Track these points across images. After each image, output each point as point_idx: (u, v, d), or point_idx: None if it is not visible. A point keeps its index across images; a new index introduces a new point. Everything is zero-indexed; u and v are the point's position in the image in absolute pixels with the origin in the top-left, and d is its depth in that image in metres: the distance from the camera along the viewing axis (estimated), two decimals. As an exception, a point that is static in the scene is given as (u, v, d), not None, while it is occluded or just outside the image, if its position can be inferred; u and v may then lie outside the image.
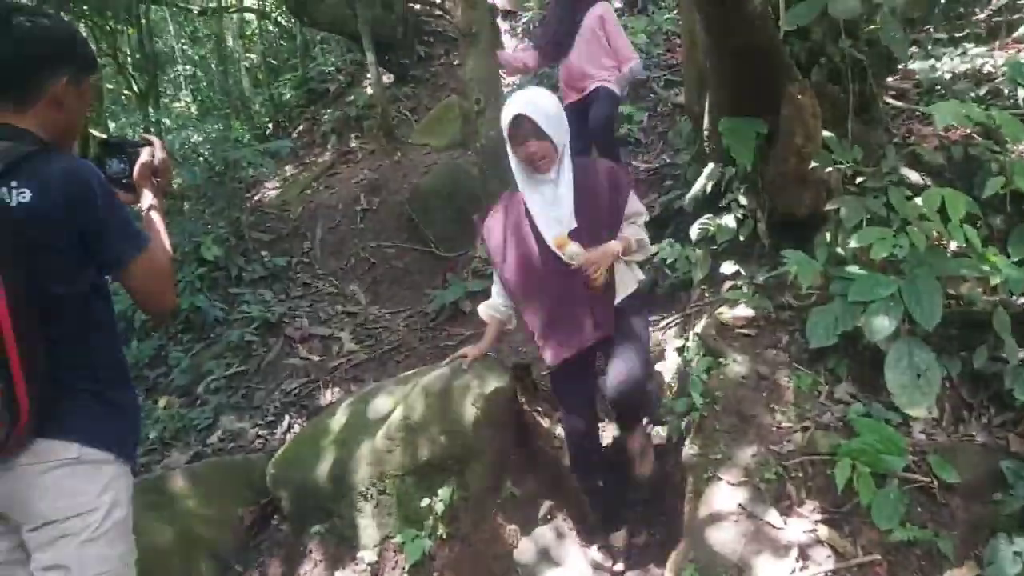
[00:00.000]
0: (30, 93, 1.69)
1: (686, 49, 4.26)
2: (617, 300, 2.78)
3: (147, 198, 1.97)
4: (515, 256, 2.74)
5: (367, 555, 2.90)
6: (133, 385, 2.04)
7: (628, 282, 2.84)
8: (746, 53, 3.18)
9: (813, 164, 3.24)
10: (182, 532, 3.08)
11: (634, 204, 2.80)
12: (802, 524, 2.48)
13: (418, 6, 10.07)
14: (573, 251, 2.56)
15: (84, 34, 1.81)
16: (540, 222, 2.66)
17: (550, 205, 2.67)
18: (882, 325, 2.71)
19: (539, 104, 2.57)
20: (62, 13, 6.82)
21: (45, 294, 1.66)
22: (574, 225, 2.63)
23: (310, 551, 3.03)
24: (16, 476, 1.71)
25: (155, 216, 1.95)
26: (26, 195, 1.61)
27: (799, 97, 3.20)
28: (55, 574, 1.75)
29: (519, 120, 2.56)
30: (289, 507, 3.13)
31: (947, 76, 4.31)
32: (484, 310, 3.02)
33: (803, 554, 2.38)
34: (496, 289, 2.95)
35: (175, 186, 7.99)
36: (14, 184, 1.60)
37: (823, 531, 2.43)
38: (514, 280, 2.78)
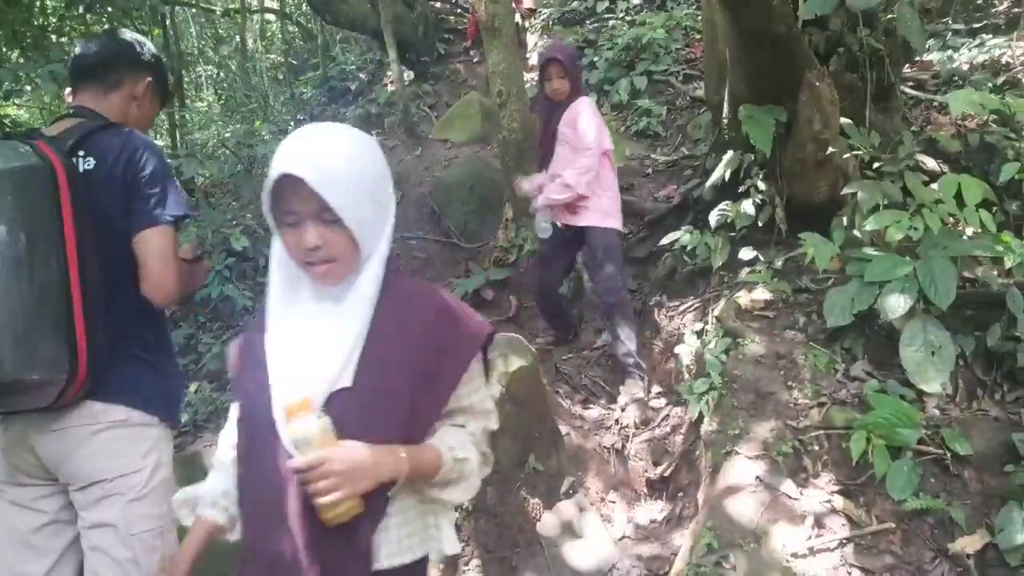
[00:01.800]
0: (111, 85, 1.98)
1: (706, 39, 4.34)
2: None
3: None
4: (242, 414, 1.41)
5: (395, 526, 2.99)
6: (175, 355, 2.16)
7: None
8: (765, 42, 3.26)
9: (831, 150, 3.32)
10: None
11: (477, 394, 1.41)
12: (818, 495, 2.55)
13: (438, 4, 10.20)
14: (302, 435, 1.22)
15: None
16: (278, 367, 1.33)
17: (309, 342, 1.31)
18: (898, 304, 2.79)
19: (322, 157, 1.24)
20: (88, 16, 7.01)
21: (105, 255, 1.79)
22: (346, 385, 1.29)
23: (340, 523, 3.13)
24: (66, 437, 1.81)
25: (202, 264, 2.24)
26: (90, 163, 1.81)
27: (817, 85, 3.27)
28: (101, 532, 1.84)
29: (286, 183, 1.24)
30: (320, 481, 3.24)
31: (965, 66, 4.36)
32: (181, 499, 1.55)
33: (819, 523, 2.46)
34: (223, 448, 1.53)
35: (200, 182, 8.16)
36: (81, 153, 1.81)
37: (838, 501, 2.50)
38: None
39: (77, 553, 1.89)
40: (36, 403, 1.72)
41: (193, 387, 4.65)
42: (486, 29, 4.96)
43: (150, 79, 2.05)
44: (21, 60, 5.83)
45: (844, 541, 2.39)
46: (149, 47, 2.10)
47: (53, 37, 6.71)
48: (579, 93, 3.93)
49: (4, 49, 6.05)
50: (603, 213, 3.88)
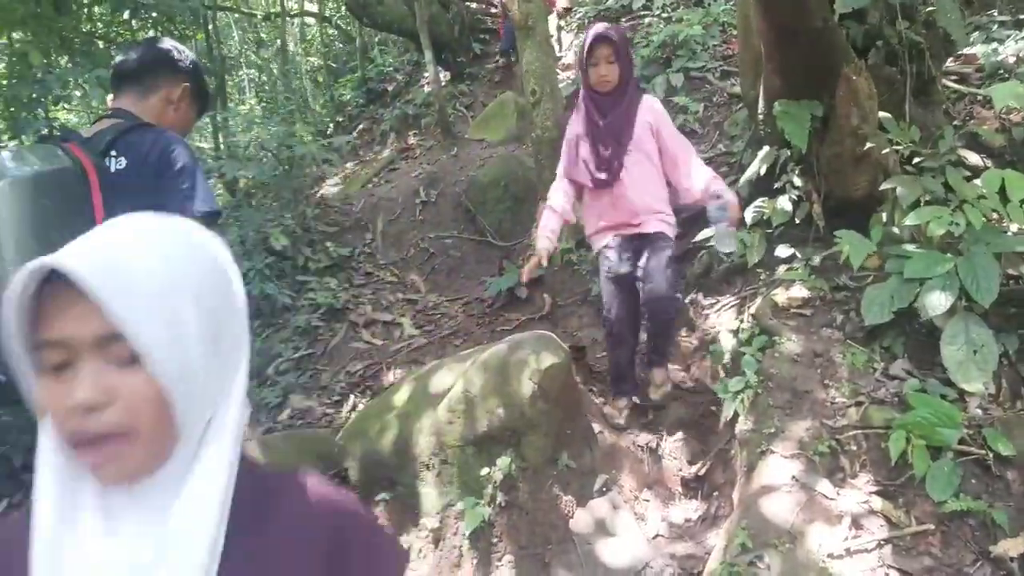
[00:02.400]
0: (148, 88, 2.07)
1: (741, 34, 4.29)
2: None
3: None
4: None
5: (429, 521, 3.03)
6: None
7: None
8: (802, 36, 3.22)
9: (869, 145, 3.26)
10: (256, 499, 3.25)
11: None
12: (855, 495, 2.51)
13: (474, 4, 10.25)
14: None
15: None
16: None
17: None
18: (938, 302, 2.73)
19: (117, 247, 0.75)
20: (134, 22, 7.19)
21: None
22: None
23: (376, 518, 3.18)
24: None
25: None
26: (123, 162, 1.88)
27: (855, 78, 3.22)
28: None
29: (50, 292, 0.74)
30: (356, 476, 3.29)
31: (1011, 59, 4.24)
32: None
33: (856, 523, 2.42)
34: None
35: (242, 183, 8.32)
36: (114, 154, 1.88)
37: (876, 502, 2.46)
38: None
39: None
40: None
41: (234, 383, 4.74)
42: (519, 28, 4.97)
43: (187, 84, 2.13)
44: (69, 66, 6.00)
45: (882, 542, 2.35)
46: (187, 54, 2.17)
47: (100, 43, 6.90)
48: (632, 83, 3.35)
49: (54, 55, 6.23)
50: (669, 218, 3.44)
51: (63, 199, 1.67)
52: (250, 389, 3.40)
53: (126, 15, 6.79)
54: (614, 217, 3.40)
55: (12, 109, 5.87)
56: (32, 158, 1.66)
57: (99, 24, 7.52)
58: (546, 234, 3.37)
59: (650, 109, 3.35)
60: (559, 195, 3.48)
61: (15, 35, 6.57)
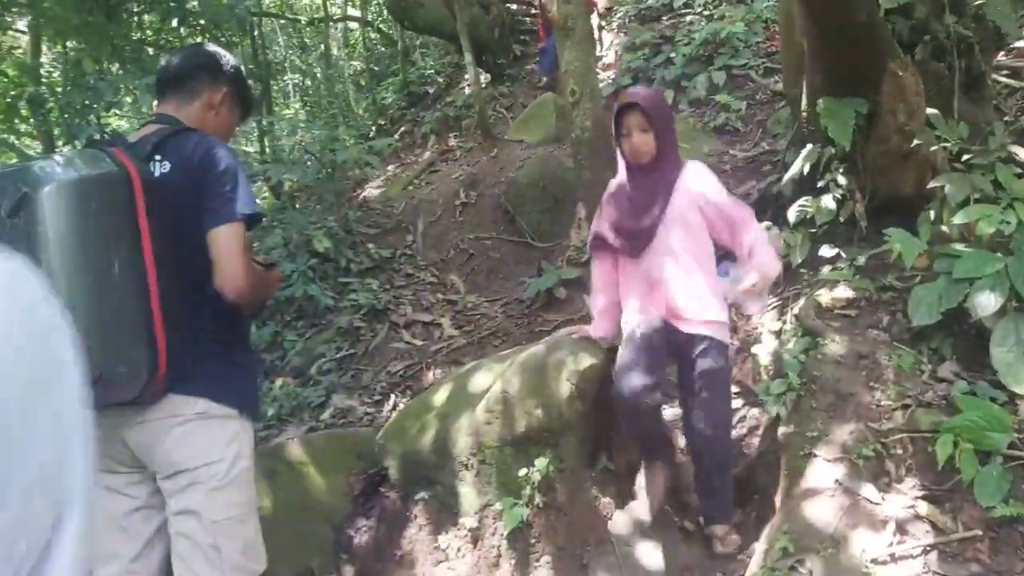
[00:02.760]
0: (190, 94, 2.09)
1: (783, 30, 4.23)
2: None
3: (269, 274, 2.25)
4: None
5: (468, 521, 3.05)
6: (252, 349, 2.26)
7: None
8: (845, 31, 3.16)
9: (916, 142, 3.19)
10: (297, 497, 3.31)
11: None
12: (901, 500, 2.46)
13: (514, 6, 10.27)
14: None
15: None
16: None
17: None
18: (988, 302, 2.66)
19: None
20: (182, 29, 7.37)
21: (183, 255, 1.88)
22: None
23: (415, 517, 3.20)
24: (151, 429, 1.92)
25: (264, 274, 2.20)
26: (166, 166, 1.91)
27: (900, 74, 3.16)
28: (186, 518, 1.95)
29: None
30: (395, 475, 3.32)
31: (1067, 51, 4.11)
32: None
33: (901, 529, 2.37)
34: None
35: (287, 186, 8.47)
36: (158, 158, 1.91)
37: (923, 507, 2.40)
38: None
39: (165, 538, 2.01)
40: (123, 396, 1.80)
41: (278, 382, 4.84)
42: (559, 29, 4.96)
43: (227, 90, 2.14)
44: (120, 73, 6.18)
45: (928, 548, 2.29)
46: (229, 59, 2.19)
47: (150, 50, 7.10)
48: (672, 150, 2.81)
49: (105, 63, 6.43)
50: (721, 317, 2.80)
51: (108, 203, 1.70)
52: (293, 388, 3.46)
53: (175, 23, 6.98)
54: (647, 300, 2.83)
55: (67, 115, 6.08)
56: (79, 163, 1.69)
57: (149, 32, 7.74)
58: (596, 325, 3.12)
59: (695, 177, 2.79)
60: (593, 294, 3.15)
61: (69, 43, 6.80)
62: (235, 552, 1.97)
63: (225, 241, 1.86)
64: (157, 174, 1.88)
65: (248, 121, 2.45)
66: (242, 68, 2.29)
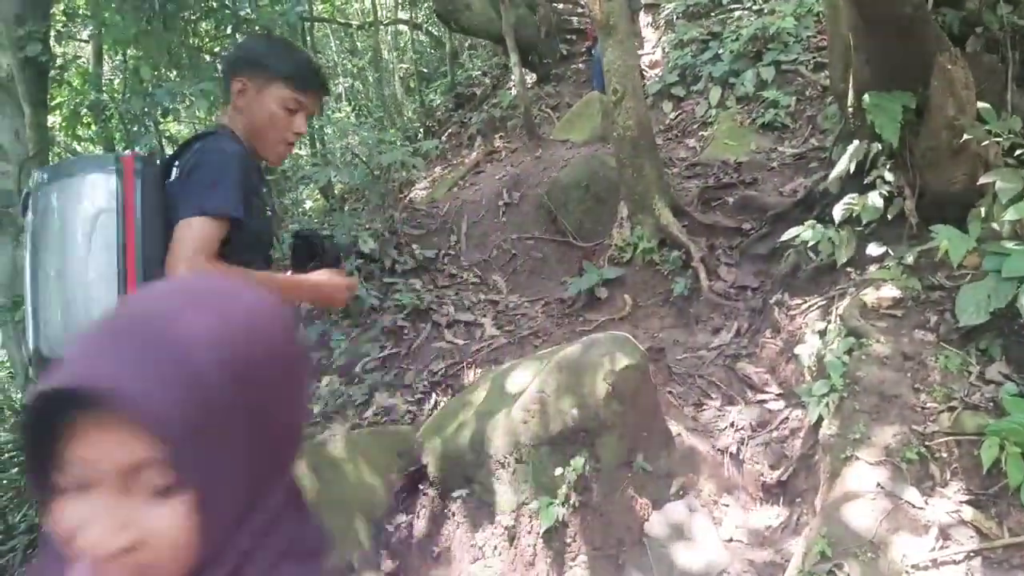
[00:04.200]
0: (225, 95, 2.01)
1: (830, 23, 4.13)
2: None
3: (300, 278, 2.02)
4: None
5: (504, 519, 3.07)
6: None
7: None
8: (891, 26, 3.09)
9: (967, 137, 3.09)
10: (339, 492, 3.38)
11: None
12: (945, 504, 2.39)
13: (561, 5, 10.26)
14: None
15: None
16: None
17: None
18: (1040, 302, 2.56)
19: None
20: (238, 35, 7.57)
21: None
22: None
23: (453, 514, 3.23)
24: None
25: (272, 278, 1.93)
26: (176, 172, 1.88)
27: (950, 68, 3.06)
28: None
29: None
30: (434, 473, 3.36)
31: None
32: None
33: (944, 534, 2.30)
34: None
35: (337, 189, 8.62)
36: (176, 163, 1.88)
37: (967, 512, 2.33)
38: None
39: None
40: None
41: (324, 380, 4.93)
42: (601, 27, 4.95)
43: (244, 79, 1.94)
44: (178, 79, 6.37)
45: (972, 554, 2.22)
46: (246, 46, 2.10)
47: (206, 57, 7.30)
48: None
49: (163, 70, 6.64)
50: None
51: (103, 203, 1.73)
52: (338, 386, 3.51)
53: (229, 30, 7.16)
54: None
55: (126, 122, 6.30)
56: (79, 165, 1.77)
57: (204, 39, 7.95)
58: None
59: None
60: None
61: (129, 52, 7.04)
62: None
63: (178, 234, 1.74)
64: (172, 178, 1.85)
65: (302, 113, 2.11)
66: (264, 43, 2.13)
